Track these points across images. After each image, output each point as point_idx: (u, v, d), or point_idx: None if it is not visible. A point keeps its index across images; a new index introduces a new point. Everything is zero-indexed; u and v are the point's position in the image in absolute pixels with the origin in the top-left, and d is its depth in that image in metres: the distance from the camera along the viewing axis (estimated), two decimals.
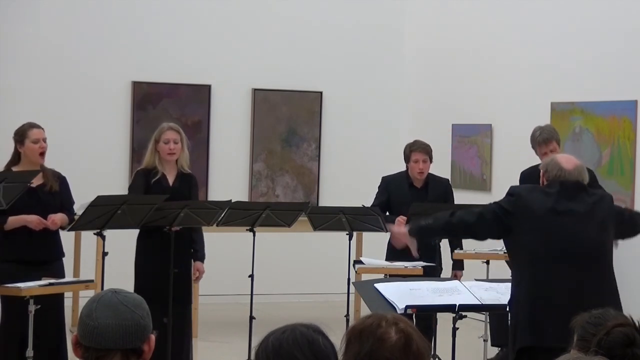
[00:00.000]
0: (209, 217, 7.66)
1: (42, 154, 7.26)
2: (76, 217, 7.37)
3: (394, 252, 8.43)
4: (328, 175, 12.36)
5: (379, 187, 8.67)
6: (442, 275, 8.27)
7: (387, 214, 8.43)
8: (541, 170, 5.71)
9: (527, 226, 5.49)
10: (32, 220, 7.11)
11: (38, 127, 7.30)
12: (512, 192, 5.62)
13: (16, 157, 7.26)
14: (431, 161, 8.53)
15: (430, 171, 8.58)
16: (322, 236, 10.47)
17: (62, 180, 7.41)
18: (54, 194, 7.28)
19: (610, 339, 3.22)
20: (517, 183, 8.67)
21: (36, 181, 7.20)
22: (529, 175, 8.41)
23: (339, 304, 9.58)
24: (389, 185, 8.59)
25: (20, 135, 7.24)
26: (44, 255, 7.24)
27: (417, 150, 8.46)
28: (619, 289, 5.70)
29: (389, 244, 8.60)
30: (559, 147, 8.35)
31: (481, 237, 5.85)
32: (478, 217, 5.58)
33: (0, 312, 7.17)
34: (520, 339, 5.50)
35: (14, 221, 7.09)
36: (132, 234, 7.79)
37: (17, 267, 7.04)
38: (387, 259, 8.40)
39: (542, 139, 8.32)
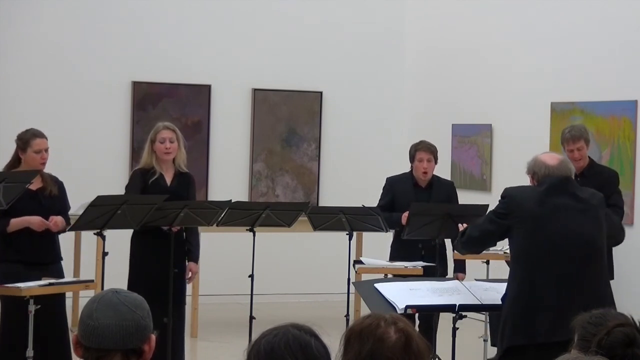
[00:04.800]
0: (209, 217, 7.65)
1: (43, 164, 7.23)
2: (75, 218, 7.36)
3: (398, 252, 8.42)
4: (328, 175, 12.35)
5: (383, 188, 8.66)
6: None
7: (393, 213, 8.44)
8: (529, 175, 5.75)
9: (522, 225, 5.55)
10: (35, 221, 7.10)
11: (42, 136, 7.24)
12: (504, 195, 5.72)
13: (16, 162, 7.23)
14: (436, 162, 8.53)
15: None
16: (322, 236, 10.47)
17: (60, 185, 7.40)
18: (54, 198, 7.27)
19: (611, 339, 3.22)
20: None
21: (36, 185, 7.19)
22: None
23: (339, 304, 9.58)
24: (393, 185, 8.59)
25: (24, 143, 7.19)
26: (45, 257, 7.22)
27: (422, 149, 8.46)
28: (619, 290, 5.70)
29: (393, 244, 8.59)
30: (587, 147, 8.32)
31: (491, 245, 6.09)
32: (481, 231, 5.77)
33: (0, 313, 7.16)
34: (509, 337, 5.50)
35: (16, 223, 7.08)
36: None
37: (18, 267, 7.04)
38: (390, 259, 8.39)
39: (570, 136, 8.25)
